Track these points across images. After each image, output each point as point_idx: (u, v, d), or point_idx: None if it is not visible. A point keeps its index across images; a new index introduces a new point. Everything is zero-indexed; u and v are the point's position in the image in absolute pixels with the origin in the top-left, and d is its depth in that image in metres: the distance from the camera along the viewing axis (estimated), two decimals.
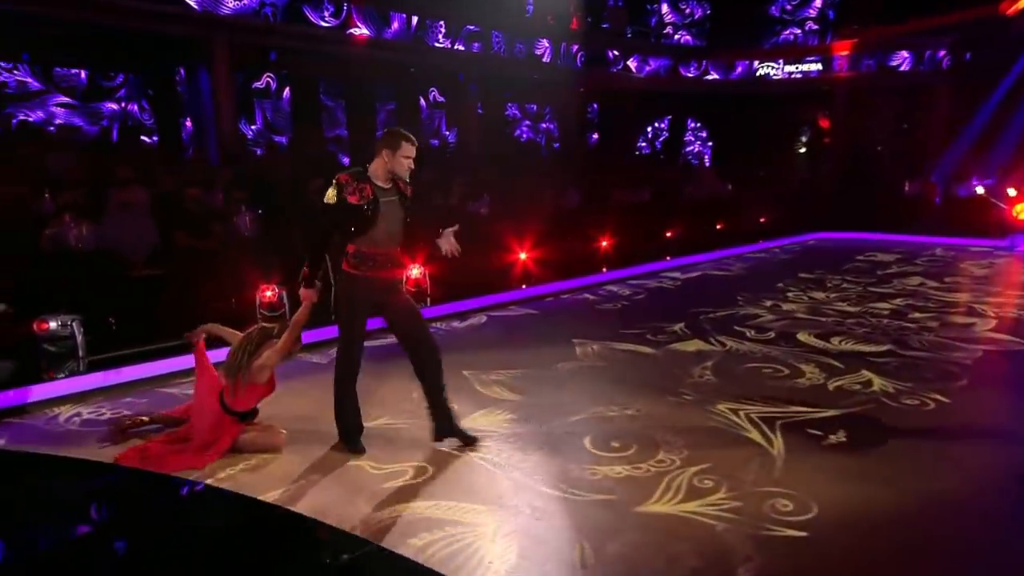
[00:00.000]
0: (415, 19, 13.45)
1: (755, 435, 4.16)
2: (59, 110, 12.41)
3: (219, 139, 11.44)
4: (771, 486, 3.53)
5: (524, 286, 8.56)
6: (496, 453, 3.93)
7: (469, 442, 4.02)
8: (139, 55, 12.23)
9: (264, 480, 3.65)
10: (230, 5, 11.07)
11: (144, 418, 4.34)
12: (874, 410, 4.59)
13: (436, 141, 15.48)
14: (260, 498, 3.40)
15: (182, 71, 12.35)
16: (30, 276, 6.38)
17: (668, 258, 10.68)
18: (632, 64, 18.99)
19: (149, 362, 5.54)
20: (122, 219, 7.20)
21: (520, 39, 15.38)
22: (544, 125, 20.30)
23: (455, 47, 14.25)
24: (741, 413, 4.50)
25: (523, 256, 9.41)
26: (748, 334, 6.48)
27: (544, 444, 4.06)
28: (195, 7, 10.70)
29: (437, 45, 13.92)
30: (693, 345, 6.15)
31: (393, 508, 3.34)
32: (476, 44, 14.61)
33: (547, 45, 16.21)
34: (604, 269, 9.81)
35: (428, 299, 7.68)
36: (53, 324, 5.70)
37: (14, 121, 11.67)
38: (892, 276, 9.55)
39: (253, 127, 12.94)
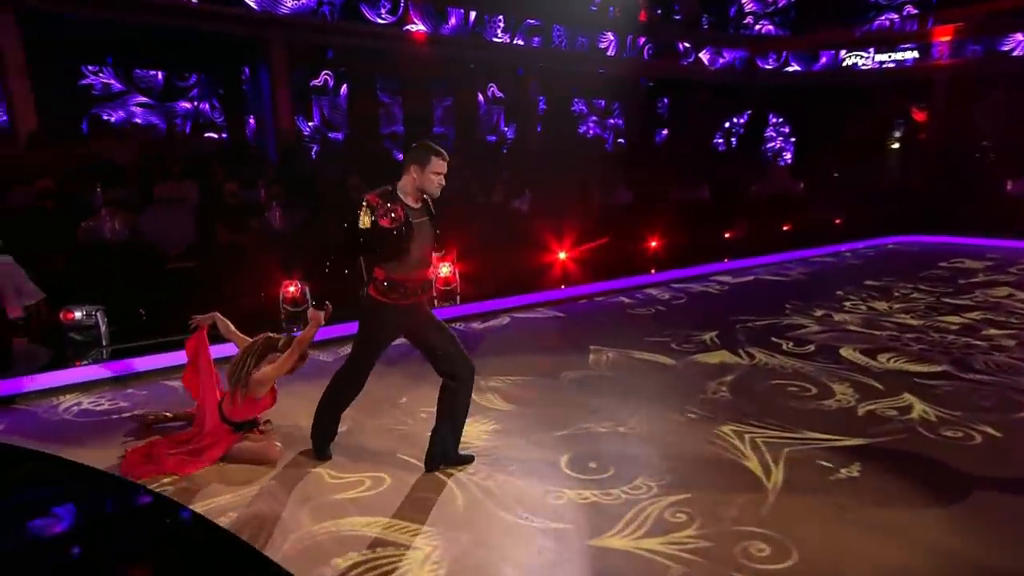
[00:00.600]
0: (473, 14, 13.34)
1: (753, 463, 3.73)
2: (138, 109, 13.12)
3: (276, 135, 11.74)
4: (753, 525, 3.12)
5: (563, 286, 8.25)
6: (464, 468, 3.70)
7: (465, 462, 3.76)
8: (210, 56, 12.76)
9: (221, 482, 3.57)
10: (288, 5, 11.32)
11: (168, 414, 4.38)
12: (904, 441, 4.03)
13: (493, 137, 15.33)
14: (203, 504, 3.33)
15: (246, 70, 12.76)
16: (68, 267, 6.70)
17: (724, 260, 10.06)
18: (704, 56, 18.15)
19: (165, 353, 5.65)
20: (162, 213, 7.46)
21: (583, 32, 14.99)
22: (612, 121, 19.78)
23: (514, 41, 14.04)
24: (746, 437, 4.05)
25: (562, 256, 9.12)
26: (784, 347, 5.93)
27: (517, 461, 3.79)
28: (255, 7, 11.00)
29: (496, 40, 13.75)
30: (718, 357, 5.67)
31: (334, 522, 3.17)
32: (536, 38, 14.34)
33: (612, 38, 15.73)
34: (652, 271, 9.34)
35: (458, 297, 7.53)
36: (78, 314, 5.93)
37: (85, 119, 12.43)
38: (975, 286, 8.57)
39: (310, 124, 13.23)
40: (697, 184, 12.06)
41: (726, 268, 9.74)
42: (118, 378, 5.25)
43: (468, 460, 3.76)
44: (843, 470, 3.65)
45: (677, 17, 18.16)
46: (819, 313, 7.15)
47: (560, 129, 17.71)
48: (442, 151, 3.45)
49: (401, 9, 12.45)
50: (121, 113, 12.95)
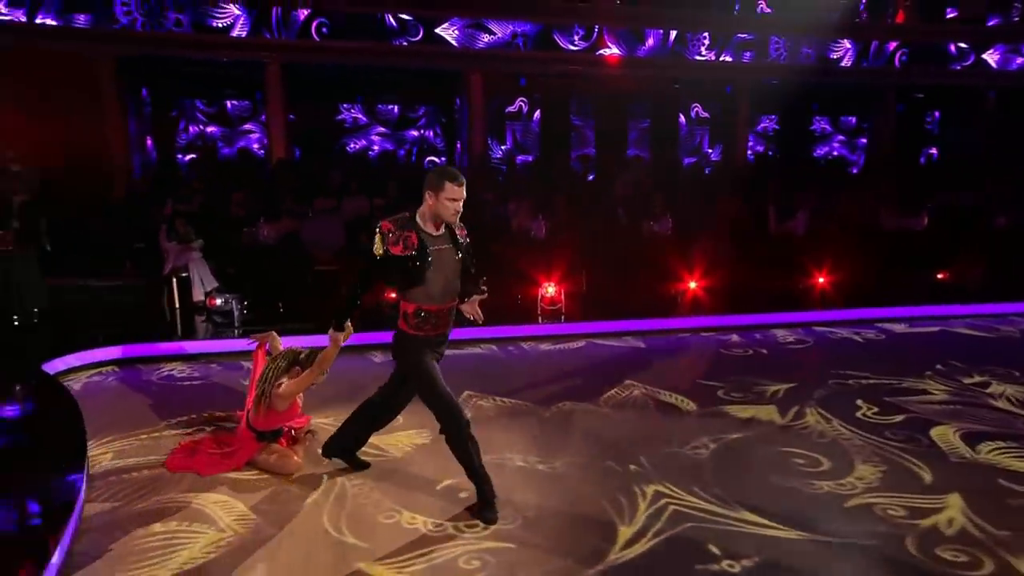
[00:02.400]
0: (673, 34, 12.91)
1: (624, 532, 3.18)
2: (376, 138, 15.46)
3: (469, 159, 12.82)
4: None
5: (662, 316, 7.63)
6: (348, 476, 3.80)
7: (360, 467, 3.86)
8: (434, 89, 14.47)
9: (228, 486, 3.79)
10: (485, 40, 12.31)
11: (220, 413, 4.71)
12: (873, 551, 3.04)
13: (692, 159, 14.52)
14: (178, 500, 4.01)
15: (457, 101, 14.15)
16: (239, 266, 8.30)
17: (915, 303, 8.17)
18: (992, 57, 14.80)
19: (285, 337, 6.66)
20: (318, 222, 8.79)
21: (807, 42, 13.45)
22: (864, 140, 17.23)
23: (721, 58, 13.21)
24: (662, 502, 3.46)
25: (692, 285, 8.39)
26: (861, 412, 4.76)
27: (405, 478, 3.78)
28: (455, 44, 12.21)
29: (699, 58, 13.10)
30: (752, 411, 4.80)
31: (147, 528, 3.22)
32: (747, 53, 13.29)
33: (848, 45, 13.80)
34: (817, 307, 8.00)
35: (563, 316, 7.51)
36: (219, 300, 7.38)
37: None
38: None
39: (503, 147, 14.08)
40: (914, 211, 9.97)
41: (910, 314, 7.92)
42: (237, 352, 6.09)
43: (364, 466, 3.87)
44: (726, 562, 2.93)
45: (952, 14, 15.12)
46: (971, 381, 5.51)
47: (791, 148, 16.09)
48: (458, 176, 3.30)
49: (595, 35, 12.64)
50: (363, 142, 15.37)
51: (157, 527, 3.23)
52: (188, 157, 13.91)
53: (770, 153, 16.20)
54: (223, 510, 3.40)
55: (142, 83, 12.88)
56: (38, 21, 10.64)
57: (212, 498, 3.52)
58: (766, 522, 3.27)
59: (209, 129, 14.55)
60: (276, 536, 3.17)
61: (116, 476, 3.78)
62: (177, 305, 7.81)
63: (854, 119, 17.63)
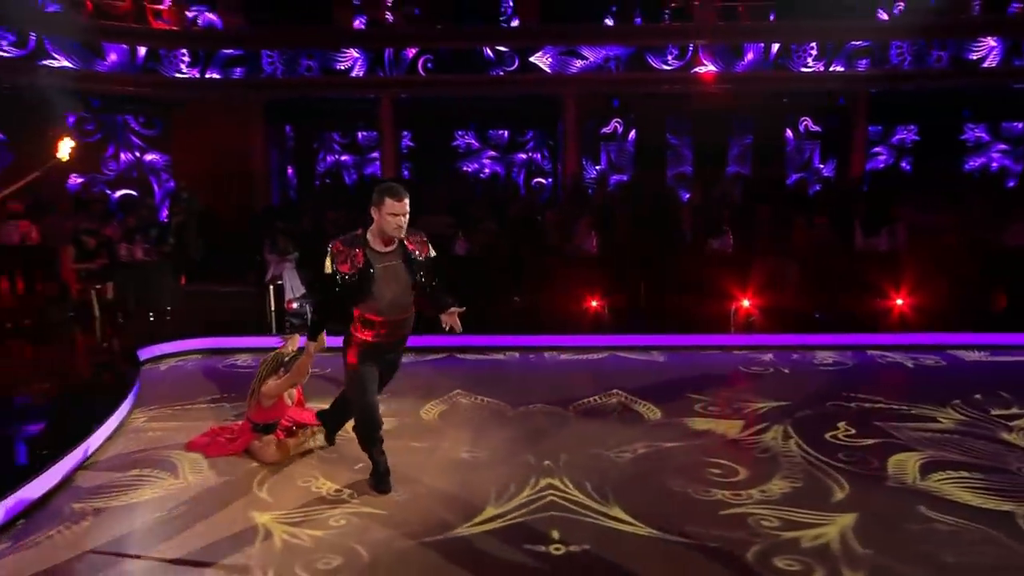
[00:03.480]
0: (776, 46, 12.43)
1: (491, 510, 3.48)
2: (488, 161, 16.42)
3: (562, 179, 13.25)
4: None
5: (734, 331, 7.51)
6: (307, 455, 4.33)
7: (329, 442, 4.37)
8: (539, 114, 15.13)
9: (209, 465, 5.11)
10: (577, 65, 12.74)
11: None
12: (716, 551, 3.08)
13: (799, 175, 13.67)
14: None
15: (560, 124, 14.65)
16: None
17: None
18: None
19: None
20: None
21: (938, 44, 12.26)
22: None
23: (831, 68, 12.47)
24: (547, 494, 3.68)
25: (745, 303, 8.12)
26: (825, 435, 4.53)
27: (344, 456, 4.22)
28: (548, 70, 12.77)
29: (805, 70, 12.47)
30: (712, 424, 4.77)
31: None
32: (863, 61, 12.41)
33: (994, 44, 12.35)
34: (886, 330, 7.43)
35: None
36: (296, 305, 8.52)
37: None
38: None
39: (597, 167, 14.24)
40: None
41: (999, 342, 7.04)
42: None
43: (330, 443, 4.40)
44: (554, 546, 3.11)
45: None
46: (1000, 412, 4.94)
47: (933, 159, 14.60)
48: (398, 191, 3.41)
49: (689, 53, 12.54)
50: (475, 165, 16.39)
51: (135, 471, 4.07)
52: (318, 183, 15.76)
53: (906, 166, 14.79)
54: (190, 466, 4.17)
55: (286, 121, 14.88)
56: (207, 76, 12.83)
57: (190, 457, 4.31)
58: (628, 519, 3.40)
59: (343, 158, 16.38)
60: (214, 486, 3.87)
61: (134, 433, 4.75)
62: (272, 308, 9.09)
63: (1021, 125, 15.52)
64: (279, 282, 9.20)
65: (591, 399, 5.40)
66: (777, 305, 8.06)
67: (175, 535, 3.30)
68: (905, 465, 4.01)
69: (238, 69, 12.82)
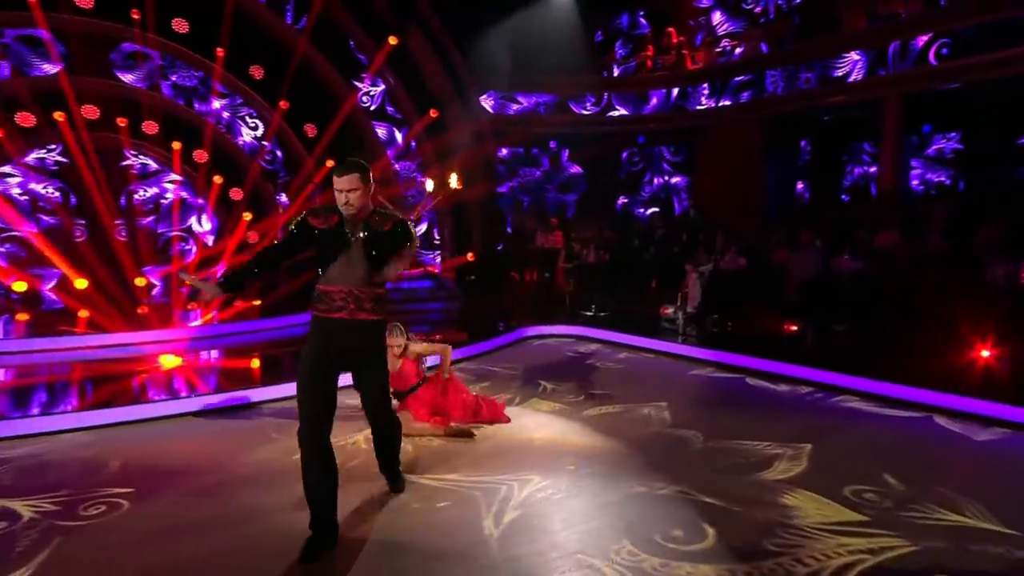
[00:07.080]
0: None
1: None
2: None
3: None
4: None
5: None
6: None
7: (396, 490, 4.06)
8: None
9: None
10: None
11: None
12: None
13: None
14: None
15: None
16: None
17: None
18: None
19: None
20: (792, 255, 9.35)
21: None
22: None
23: None
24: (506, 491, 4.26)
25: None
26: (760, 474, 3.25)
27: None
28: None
29: None
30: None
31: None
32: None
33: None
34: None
35: None
36: (670, 310, 9.52)
37: None
38: None
39: None
40: None
41: None
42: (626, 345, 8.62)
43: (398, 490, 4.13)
44: (487, 525, 3.57)
45: None
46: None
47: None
48: (341, 167, 3.37)
49: None
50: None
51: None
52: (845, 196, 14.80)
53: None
54: None
55: (792, 136, 14.68)
56: (722, 104, 14.42)
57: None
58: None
59: (871, 169, 14.88)
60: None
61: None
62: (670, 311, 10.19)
63: None
64: (685, 290, 10.26)
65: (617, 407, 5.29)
66: None
67: None
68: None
69: (744, 93, 13.91)
